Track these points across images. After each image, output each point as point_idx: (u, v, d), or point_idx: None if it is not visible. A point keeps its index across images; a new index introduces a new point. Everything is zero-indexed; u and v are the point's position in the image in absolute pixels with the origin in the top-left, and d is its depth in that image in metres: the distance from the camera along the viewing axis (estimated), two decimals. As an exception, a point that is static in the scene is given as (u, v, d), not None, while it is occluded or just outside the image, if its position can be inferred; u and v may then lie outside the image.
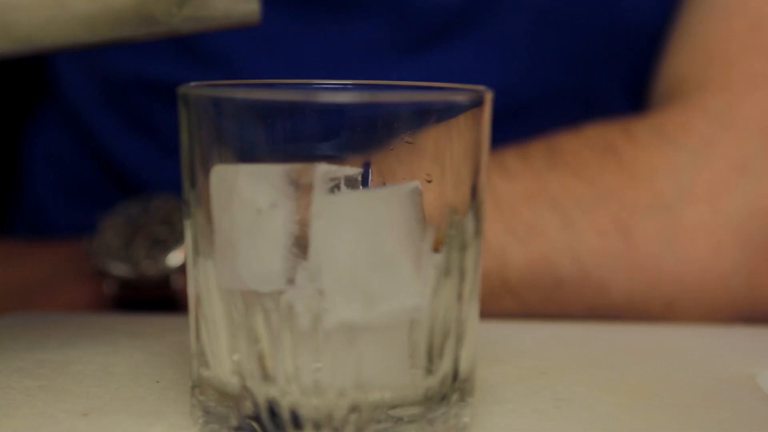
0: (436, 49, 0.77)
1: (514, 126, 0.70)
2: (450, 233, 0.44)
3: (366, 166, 0.46)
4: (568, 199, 0.67)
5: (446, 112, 0.45)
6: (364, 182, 0.46)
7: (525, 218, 0.66)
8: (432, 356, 0.44)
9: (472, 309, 0.46)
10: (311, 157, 0.44)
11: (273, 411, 0.44)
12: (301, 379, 0.43)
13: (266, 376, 0.44)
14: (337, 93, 0.45)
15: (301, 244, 0.43)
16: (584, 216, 0.66)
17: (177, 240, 0.71)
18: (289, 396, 0.43)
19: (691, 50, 0.73)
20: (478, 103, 0.45)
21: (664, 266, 0.66)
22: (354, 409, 0.43)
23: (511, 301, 0.66)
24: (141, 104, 0.83)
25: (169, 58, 0.80)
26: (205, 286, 0.45)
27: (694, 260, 0.66)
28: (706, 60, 0.72)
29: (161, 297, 0.71)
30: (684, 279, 0.66)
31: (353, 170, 0.46)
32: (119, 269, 0.71)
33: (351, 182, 0.45)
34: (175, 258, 0.71)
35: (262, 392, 0.44)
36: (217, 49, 0.79)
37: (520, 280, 0.66)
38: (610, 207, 0.67)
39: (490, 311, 0.63)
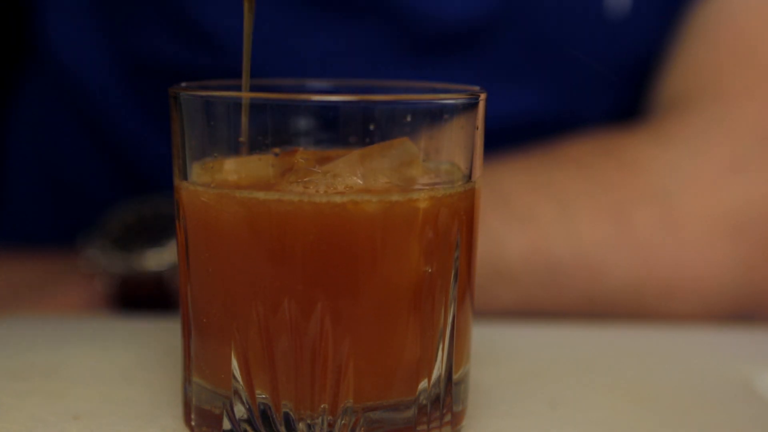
0: (430, 63, 0.78)
1: (501, 146, 0.70)
2: (443, 233, 0.44)
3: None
4: (567, 189, 0.68)
5: (441, 113, 0.44)
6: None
7: (522, 206, 0.67)
8: (426, 358, 0.44)
9: (465, 310, 0.46)
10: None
11: (266, 414, 0.43)
12: (294, 381, 0.43)
13: (259, 379, 0.43)
14: (332, 93, 0.45)
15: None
16: (582, 204, 0.67)
17: (170, 238, 0.71)
18: (281, 399, 0.43)
19: (687, 68, 0.75)
20: (472, 105, 0.45)
21: (660, 252, 0.67)
22: (347, 412, 0.43)
23: (507, 288, 0.67)
24: (152, 86, 0.82)
25: (183, 46, 0.79)
26: (197, 287, 0.45)
27: (690, 247, 0.67)
28: (702, 75, 0.74)
29: (155, 295, 0.70)
30: (680, 266, 0.67)
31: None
32: (114, 264, 0.70)
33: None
34: (167, 256, 0.70)
35: (255, 395, 0.43)
36: (221, 42, 0.79)
37: (517, 265, 0.67)
38: (607, 196, 0.68)
39: (486, 301, 0.64)
